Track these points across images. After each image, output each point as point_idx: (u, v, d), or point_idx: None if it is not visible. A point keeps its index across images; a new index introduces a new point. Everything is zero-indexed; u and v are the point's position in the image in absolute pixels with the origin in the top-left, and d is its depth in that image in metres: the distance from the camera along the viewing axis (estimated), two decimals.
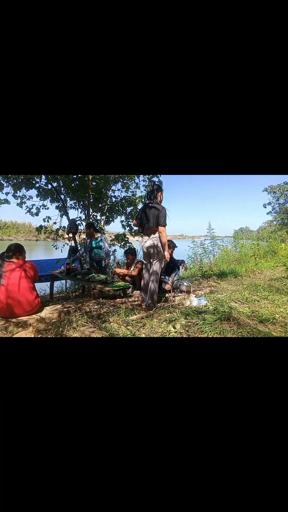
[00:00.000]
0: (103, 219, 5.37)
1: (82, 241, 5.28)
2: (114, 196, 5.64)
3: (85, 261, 4.22)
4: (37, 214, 5.14)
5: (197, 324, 1.98)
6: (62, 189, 4.99)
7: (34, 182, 4.81)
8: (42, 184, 4.88)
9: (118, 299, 3.09)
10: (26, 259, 2.38)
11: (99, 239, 4.15)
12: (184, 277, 4.31)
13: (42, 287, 4.40)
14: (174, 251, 3.92)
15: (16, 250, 2.34)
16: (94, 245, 4.15)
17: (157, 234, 2.62)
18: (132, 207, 5.52)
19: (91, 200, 5.13)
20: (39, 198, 4.99)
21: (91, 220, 5.24)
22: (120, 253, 5.37)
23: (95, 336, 1.79)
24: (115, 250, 5.59)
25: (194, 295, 3.02)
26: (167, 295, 3.24)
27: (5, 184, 4.55)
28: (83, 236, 5.18)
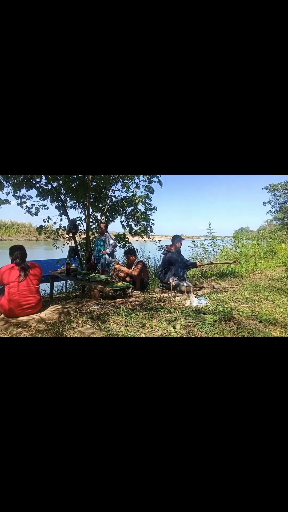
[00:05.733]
0: (103, 219, 5.36)
1: (83, 241, 5.29)
2: (114, 196, 5.65)
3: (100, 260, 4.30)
4: (36, 214, 5.14)
5: (197, 324, 1.98)
6: (62, 189, 4.99)
7: (34, 182, 4.81)
8: (42, 184, 4.89)
9: (118, 299, 3.09)
10: (27, 260, 2.38)
11: (103, 237, 4.24)
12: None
13: (42, 287, 4.39)
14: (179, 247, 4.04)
15: (23, 256, 2.34)
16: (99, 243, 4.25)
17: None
18: (132, 207, 5.51)
19: (91, 200, 5.13)
20: (39, 198, 4.99)
21: (91, 220, 5.25)
22: (120, 253, 5.37)
23: (95, 336, 1.79)
24: (115, 245, 5.59)
25: (194, 295, 3.02)
26: (167, 294, 3.24)
27: (5, 184, 4.55)
28: (83, 236, 5.19)
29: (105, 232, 4.34)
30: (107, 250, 4.25)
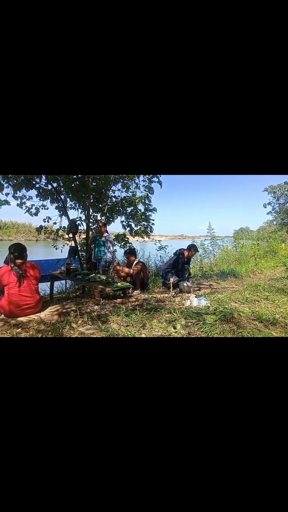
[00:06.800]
0: (103, 219, 5.37)
1: (83, 241, 5.29)
2: (114, 196, 5.65)
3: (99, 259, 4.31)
4: (36, 214, 5.14)
5: (197, 324, 1.98)
6: (62, 189, 4.99)
7: (34, 182, 4.81)
8: (42, 184, 4.89)
9: (118, 300, 3.09)
10: (27, 259, 2.37)
11: (103, 238, 4.23)
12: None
13: (42, 287, 4.41)
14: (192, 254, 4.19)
15: (22, 251, 2.31)
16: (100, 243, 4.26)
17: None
18: (132, 207, 5.51)
19: (91, 200, 5.13)
20: (39, 198, 4.99)
21: (91, 220, 5.25)
22: (120, 253, 5.37)
23: (95, 336, 1.79)
24: (115, 250, 5.59)
25: (194, 295, 3.02)
26: (167, 294, 3.24)
27: (5, 185, 4.54)
28: (83, 236, 5.20)
29: (105, 233, 4.33)
30: (108, 255, 4.24)
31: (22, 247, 2.32)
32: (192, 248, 4.14)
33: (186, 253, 4.08)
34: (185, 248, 4.17)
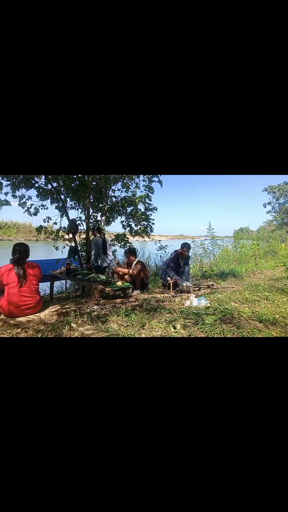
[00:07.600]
0: (103, 219, 5.37)
1: (83, 241, 5.29)
2: (114, 196, 5.65)
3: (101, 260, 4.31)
4: (35, 214, 5.13)
5: (197, 324, 1.98)
6: (62, 189, 4.99)
7: (34, 182, 4.80)
8: (42, 184, 4.88)
9: (118, 300, 3.08)
10: (28, 259, 2.37)
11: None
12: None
13: (42, 287, 4.41)
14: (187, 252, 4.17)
15: (26, 252, 2.30)
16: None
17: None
18: (132, 207, 5.52)
19: (91, 200, 5.13)
20: (39, 198, 4.99)
21: (91, 220, 5.25)
22: (120, 253, 5.37)
23: (95, 336, 1.79)
24: (115, 250, 5.59)
25: (194, 295, 3.02)
26: (167, 294, 3.24)
27: (4, 183, 4.53)
28: (83, 236, 5.19)
29: (94, 236, 4.34)
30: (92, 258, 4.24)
31: (26, 248, 2.32)
32: (182, 246, 4.15)
33: (180, 252, 4.12)
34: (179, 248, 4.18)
